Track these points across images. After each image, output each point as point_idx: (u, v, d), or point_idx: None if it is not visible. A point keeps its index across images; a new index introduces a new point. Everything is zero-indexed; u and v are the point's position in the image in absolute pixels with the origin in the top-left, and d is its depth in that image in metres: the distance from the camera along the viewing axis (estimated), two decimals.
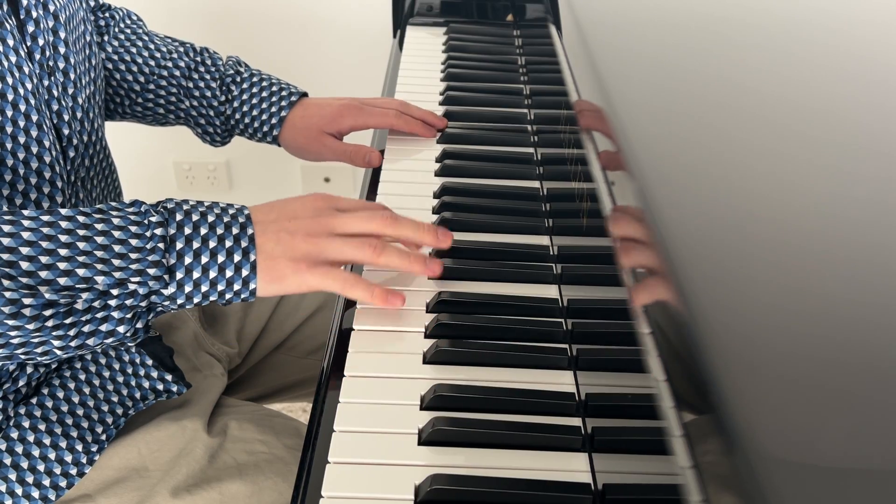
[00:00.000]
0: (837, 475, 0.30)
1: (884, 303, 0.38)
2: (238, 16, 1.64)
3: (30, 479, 0.67)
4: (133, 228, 0.56)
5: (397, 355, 0.61)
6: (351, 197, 0.67)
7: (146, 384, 0.72)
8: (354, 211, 0.65)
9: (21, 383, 0.67)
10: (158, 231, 0.57)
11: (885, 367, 0.34)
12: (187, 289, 0.58)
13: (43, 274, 0.53)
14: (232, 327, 0.92)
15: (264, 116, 0.90)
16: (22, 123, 0.62)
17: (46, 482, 0.67)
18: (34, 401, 0.68)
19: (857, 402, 0.33)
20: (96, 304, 0.55)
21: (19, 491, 0.67)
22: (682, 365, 0.37)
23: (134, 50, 0.89)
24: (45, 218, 0.55)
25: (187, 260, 0.57)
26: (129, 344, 0.59)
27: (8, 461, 0.66)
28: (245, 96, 0.90)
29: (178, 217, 0.58)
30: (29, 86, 0.63)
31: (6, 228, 0.54)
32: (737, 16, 0.69)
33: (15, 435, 0.67)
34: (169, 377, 0.72)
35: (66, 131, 0.68)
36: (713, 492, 0.32)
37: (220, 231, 0.59)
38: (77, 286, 0.54)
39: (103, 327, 0.56)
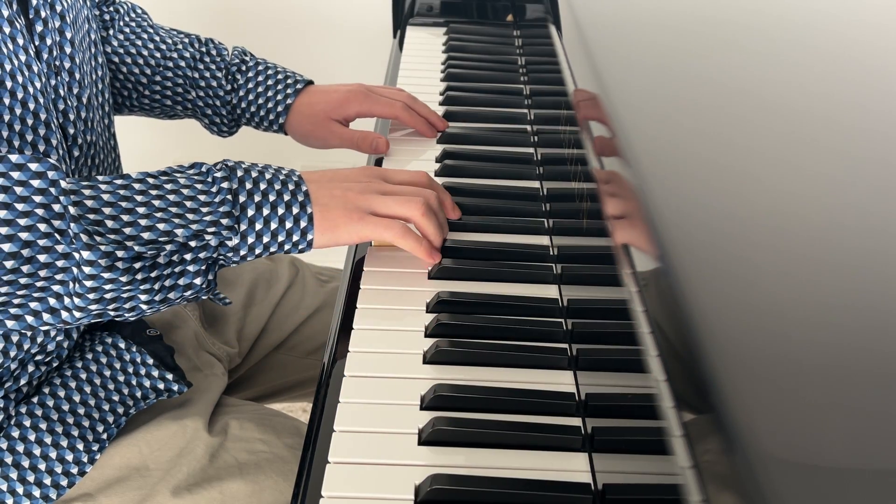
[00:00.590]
0: (837, 475, 0.30)
1: (883, 303, 0.38)
2: (238, 16, 1.64)
3: (31, 478, 0.67)
4: (199, 185, 0.60)
5: (397, 355, 0.61)
6: (395, 169, 0.73)
7: (147, 383, 0.72)
8: (402, 183, 0.70)
9: (22, 382, 0.67)
10: (224, 185, 0.60)
11: (884, 368, 0.34)
12: (250, 240, 0.61)
13: (127, 230, 0.56)
14: (232, 327, 0.92)
15: (270, 104, 0.90)
16: (30, 122, 0.62)
17: (47, 481, 0.67)
18: (35, 400, 0.68)
19: (856, 402, 0.33)
20: (175, 258, 0.58)
21: (20, 490, 0.67)
22: (682, 365, 0.37)
23: (139, 43, 0.90)
24: (119, 181, 0.58)
25: (250, 212, 0.60)
26: (203, 297, 0.62)
27: (9, 460, 0.66)
28: (251, 85, 0.91)
29: (239, 173, 0.62)
30: (38, 84, 0.63)
31: (87, 192, 0.57)
32: (737, 17, 0.69)
33: (16, 434, 0.67)
34: (170, 376, 0.73)
35: (71, 130, 0.68)
36: (713, 492, 0.32)
37: (277, 186, 0.62)
38: (160, 239, 0.57)
39: (181, 281, 0.59)
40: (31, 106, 0.62)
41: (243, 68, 0.91)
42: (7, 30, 0.61)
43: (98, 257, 0.55)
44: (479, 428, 0.55)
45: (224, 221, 0.59)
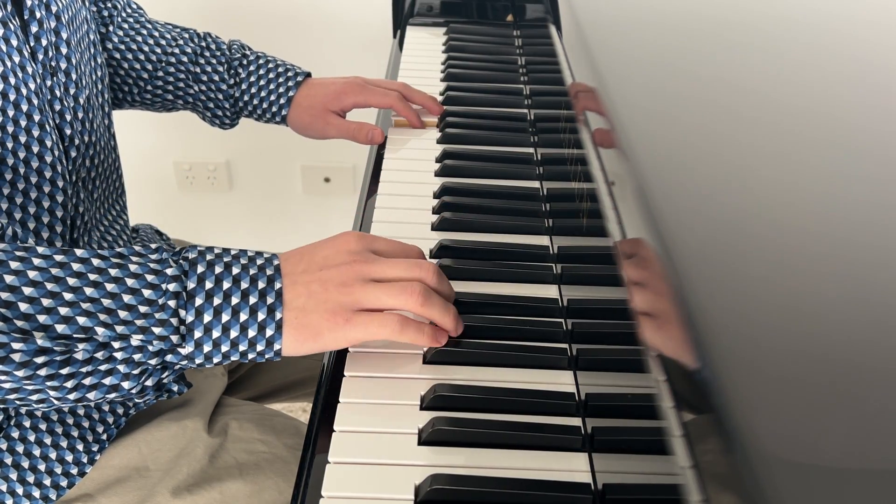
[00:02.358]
0: (838, 475, 0.30)
1: (883, 302, 0.38)
2: (237, 15, 1.64)
3: (31, 479, 0.67)
4: (149, 278, 0.53)
5: (397, 355, 0.61)
6: (382, 237, 0.62)
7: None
8: (391, 255, 0.60)
9: None
10: (172, 286, 0.52)
11: (885, 367, 0.34)
12: (206, 348, 0.53)
13: (41, 318, 0.50)
14: None
15: (272, 97, 0.92)
16: (24, 123, 0.62)
17: (47, 482, 0.67)
18: None
19: (857, 401, 0.33)
20: (99, 355, 0.51)
21: (20, 490, 0.67)
22: (682, 365, 0.37)
23: (139, 38, 0.91)
24: (58, 258, 0.52)
25: (206, 318, 0.53)
26: (137, 401, 0.54)
27: (9, 461, 0.66)
28: (253, 78, 0.92)
29: (200, 269, 0.54)
30: (32, 86, 0.63)
31: (13, 265, 0.51)
32: (738, 16, 0.69)
33: (16, 434, 0.67)
34: None
35: (68, 131, 0.68)
36: (713, 492, 0.32)
37: (244, 285, 0.54)
38: (74, 335, 0.50)
39: (107, 381, 0.52)
40: (25, 108, 0.62)
41: (244, 62, 0.93)
42: (1, 31, 0.60)
43: None
44: (479, 428, 0.55)
45: (157, 330, 0.52)
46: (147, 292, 0.52)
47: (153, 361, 0.53)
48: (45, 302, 0.50)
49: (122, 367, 0.52)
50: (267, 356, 0.55)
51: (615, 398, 0.53)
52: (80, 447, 0.68)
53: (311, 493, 0.51)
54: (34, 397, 0.52)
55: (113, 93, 0.92)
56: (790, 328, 0.36)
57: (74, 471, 0.68)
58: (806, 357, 0.35)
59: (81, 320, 0.50)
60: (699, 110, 0.55)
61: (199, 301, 0.53)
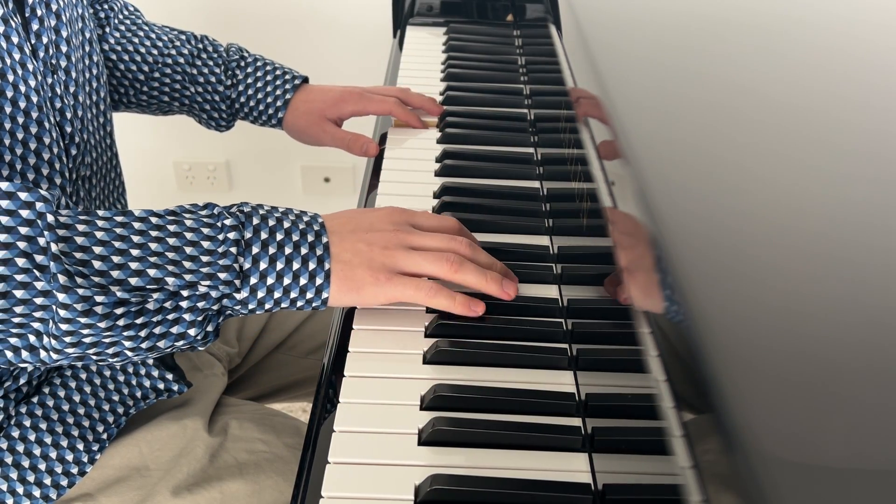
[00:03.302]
0: (837, 475, 0.30)
1: (883, 303, 0.38)
2: (237, 15, 1.64)
3: (31, 478, 0.67)
4: (206, 231, 0.56)
5: (397, 355, 0.61)
6: (422, 211, 0.66)
7: (147, 383, 0.72)
8: (430, 230, 0.64)
9: (22, 381, 0.67)
10: (232, 235, 0.56)
11: (885, 367, 0.34)
12: (260, 294, 0.57)
13: (115, 273, 0.53)
14: (232, 327, 0.92)
15: (269, 99, 0.92)
16: (21, 120, 0.62)
17: (47, 481, 0.67)
18: (35, 399, 0.68)
19: (857, 401, 0.33)
20: (168, 304, 0.54)
21: (20, 490, 0.67)
22: (682, 365, 0.37)
23: (136, 40, 0.91)
24: (119, 218, 0.55)
25: (262, 265, 0.56)
26: (200, 348, 0.58)
27: (9, 460, 0.66)
28: (250, 80, 0.92)
29: (255, 221, 0.57)
30: (32, 83, 0.63)
31: (80, 228, 0.54)
32: (738, 16, 0.69)
33: (16, 434, 0.67)
34: (169, 376, 0.73)
35: (68, 129, 0.68)
36: (713, 492, 0.32)
37: (295, 237, 0.58)
38: (148, 286, 0.54)
39: (174, 329, 0.56)
40: (22, 105, 0.62)
41: (242, 64, 0.93)
42: (1, 28, 0.61)
43: (74, 301, 0.52)
44: (479, 428, 0.55)
45: (222, 275, 0.55)
46: (206, 244, 0.56)
47: (215, 307, 0.56)
48: (116, 259, 0.53)
49: (187, 316, 0.56)
50: (314, 304, 0.59)
51: (615, 398, 0.53)
52: (80, 446, 0.68)
53: (311, 493, 0.51)
54: (111, 350, 0.55)
55: (109, 94, 0.92)
56: (790, 328, 0.36)
57: (75, 470, 0.68)
58: (806, 357, 0.35)
59: (152, 272, 0.54)
60: (699, 110, 0.55)
61: (255, 250, 0.57)
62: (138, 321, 0.54)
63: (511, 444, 0.54)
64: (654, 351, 0.41)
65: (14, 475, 0.66)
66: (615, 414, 0.53)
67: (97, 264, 0.53)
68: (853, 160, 0.49)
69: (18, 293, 0.51)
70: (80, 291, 0.52)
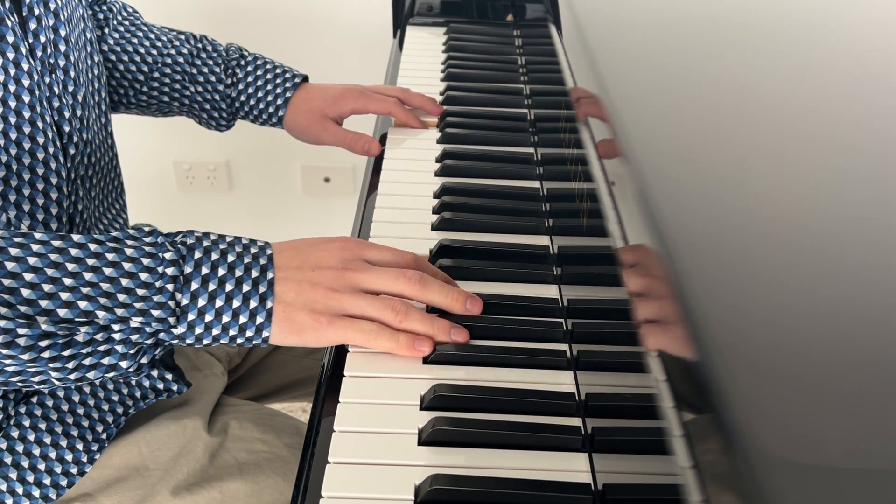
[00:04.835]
0: (838, 475, 0.30)
1: (884, 301, 0.38)
2: (236, 15, 1.64)
3: (30, 478, 0.67)
4: (146, 261, 0.54)
5: (397, 356, 0.61)
6: (376, 244, 0.63)
7: (146, 383, 0.72)
8: (382, 264, 0.62)
9: None
10: (170, 270, 0.54)
11: (885, 367, 0.34)
12: (198, 330, 0.55)
13: (43, 303, 0.51)
14: None
15: (269, 98, 0.92)
16: (13, 120, 0.62)
17: (47, 481, 0.67)
18: (34, 400, 0.68)
19: (857, 401, 0.33)
20: (98, 336, 0.53)
21: (20, 490, 0.67)
22: (682, 365, 0.37)
23: (135, 41, 0.91)
24: (56, 243, 0.53)
25: (201, 302, 0.55)
26: (133, 378, 0.57)
27: (8, 460, 0.66)
28: (250, 79, 0.92)
29: (197, 255, 0.55)
30: (27, 82, 0.63)
31: (13, 252, 0.52)
32: (738, 15, 0.69)
33: (15, 434, 0.67)
34: (169, 376, 0.73)
35: (66, 128, 0.68)
36: (713, 492, 0.32)
37: (238, 273, 0.56)
38: (77, 319, 0.52)
39: (105, 360, 0.54)
40: (13, 104, 0.62)
41: (242, 63, 0.93)
42: None
43: None
44: (479, 428, 0.55)
45: (155, 312, 0.53)
46: (144, 276, 0.54)
47: (149, 341, 0.54)
48: (47, 287, 0.51)
49: (120, 348, 0.54)
50: (254, 342, 0.57)
51: (615, 398, 0.53)
52: (79, 446, 0.68)
53: (311, 493, 0.51)
54: (36, 379, 0.53)
55: (109, 96, 0.92)
56: (790, 328, 0.36)
57: (74, 470, 0.68)
58: (806, 357, 0.35)
59: (83, 304, 0.52)
60: (699, 109, 0.55)
61: (194, 286, 0.55)
62: (65, 353, 0.52)
63: (511, 444, 0.54)
64: (654, 351, 0.41)
65: (13, 475, 0.66)
66: (615, 414, 0.53)
67: (26, 292, 0.51)
68: (854, 158, 0.49)
69: None
70: (2, 323, 0.50)
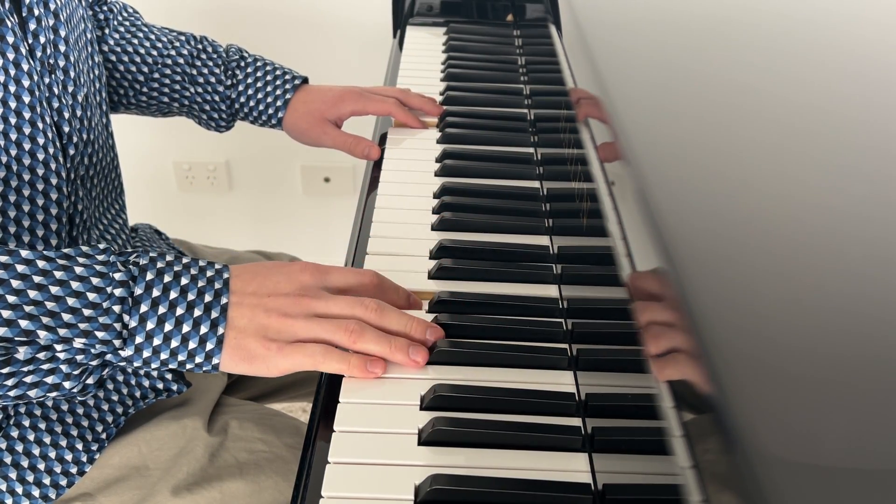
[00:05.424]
0: (838, 474, 0.30)
1: (884, 301, 0.38)
2: (236, 15, 1.64)
3: (30, 478, 0.67)
4: (95, 280, 0.53)
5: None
6: (337, 267, 0.61)
7: (146, 383, 0.72)
8: (343, 288, 0.60)
9: None
10: (118, 291, 0.53)
11: (885, 366, 0.34)
12: (145, 354, 0.54)
13: None
14: None
15: (269, 99, 0.92)
16: (13, 120, 0.62)
17: (47, 481, 0.67)
18: None
19: (857, 401, 0.33)
20: (41, 355, 0.52)
21: (20, 490, 0.67)
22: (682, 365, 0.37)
23: (135, 41, 0.91)
24: (2, 259, 0.52)
25: (149, 325, 0.53)
26: (78, 398, 0.55)
27: (8, 460, 0.66)
28: (250, 80, 0.92)
29: (149, 276, 0.54)
30: (27, 83, 0.63)
31: None
32: (738, 15, 0.69)
33: (15, 434, 0.67)
34: (169, 376, 0.73)
35: (66, 129, 0.68)
36: (713, 492, 0.32)
37: (190, 297, 0.55)
38: (16, 338, 0.51)
39: (49, 379, 0.53)
40: (13, 105, 0.62)
41: (242, 64, 0.93)
42: None
43: None
44: (479, 428, 0.55)
45: (100, 334, 0.52)
46: (92, 296, 0.52)
47: (94, 362, 0.53)
48: None
49: (64, 367, 0.53)
50: (204, 369, 0.56)
51: (615, 398, 0.53)
52: (79, 446, 0.68)
53: (311, 492, 0.51)
54: None
55: (109, 96, 0.92)
56: (790, 327, 0.36)
57: (74, 470, 0.68)
58: (806, 356, 0.35)
59: (24, 323, 0.51)
60: (699, 109, 0.55)
61: (143, 308, 0.53)
62: (4, 370, 0.51)
63: (511, 444, 0.54)
64: (656, 354, 0.41)
65: (13, 475, 0.66)
66: (615, 414, 0.53)
67: None
68: (854, 158, 0.49)
69: None
70: None
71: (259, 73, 0.92)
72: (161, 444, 0.72)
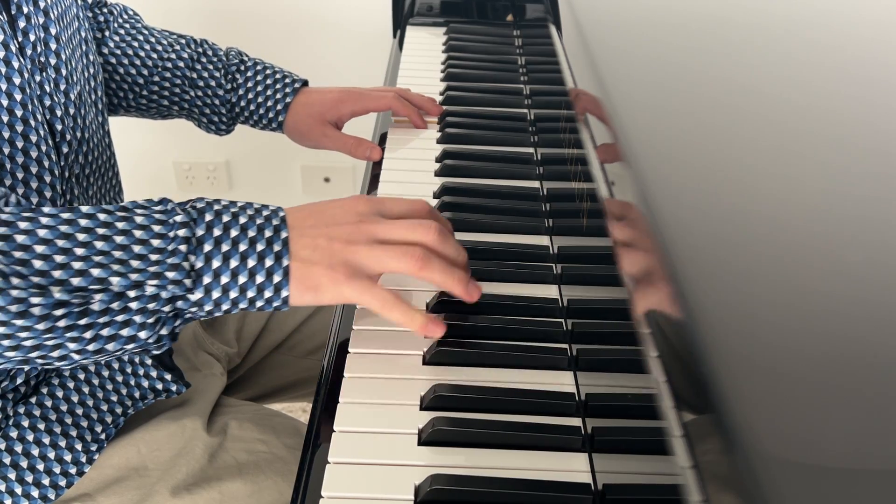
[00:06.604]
0: (838, 475, 0.30)
1: (884, 301, 0.38)
2: (236, 16, 1.64)
3: (29, 479, 0.67)
4: (156, 228, 0.54)
5: (397, 355, 0.61)
6: (390, 198, 0.63)
7: (145, 383, 0.72)
8: (398, 216, 0.61)
9: (19, 381, 0.67)
10: (182, 232, 0.54)
11: (885, 367, 0.34)
12: (215, 294, 0.54)
13: (56, 274, 0.51)
14: (231, 327, 0.92)
15: (269, 103, 0.92)
16: (4, 118, 0.62)
17: (46, 481, 0.67)
18: (33, 400, 0.68)
19: (857, 401, 0.33)
20: (114, 305, 0.52)
21: (19, 490, 0.67)
22: (682, 365, 0.37)
23: (136, 44, 0.91)
24: (65, 216, 0.53)
25: (215, 264, 0.54)
26: (154, 352, 0.56)
27: (7, 460, 0.66)
28: (250, 84, 0.92)
29: (208, 217, 0.55)
30: (17, 81, 0.63)
31: (22, 225, 0.51)
32: (738, 16, 0.69)
33: (14, 434, 0.67)
34: (168, 376, 0.72)
35: (59, 127, 0.68)
36: (713, 492, 0.32)
37: (251, 233, 0.55)
38: (90, 287, 0.51)
39: (124, 332, 0.53)
40: (5, 102, 0.62)
41: (242, 68, 0.92)
42: None
43: (8, 303, 0.49)
44: (479, 428, 0.55)
45: (170, 274, 0.53)
46: (156, 241, 0.53)
47: (167, 308, 0.54)
48: (58, 258, 0.51)
49: (137, 318, 0.53)
50: (275, 304, 0.56)
51: (615, 398, 0.53)
52: (78, 447, 0.68)
53: (311, 493, 0.51)
54: (55, 353, 0.53)
55: (108, 98, 0.92)
56: (790, 328, 0.36)
57: (73, 470, 0.68)
58: (806, 356, 0.35)
59: (95, 272, 0.52)
60: (699, 110, 0.55)
61: (207, 247, 0.54)
62: (81, 322, 0.52)
63: (511, 444, 0.54)
64: (654, 351, 0.41)
65: (12, 475, 0.66)
66: (615, 414, 0.53)
67: (38, 264, 0.51)
68: (853, 158, 0.49)
69: None
70: (14, 293, 0.49)
71: (259, 77, 0.92)
72: (160, 444, 0.72)
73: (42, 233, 0.52)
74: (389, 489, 0.51)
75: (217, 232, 0.55)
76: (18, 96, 0.63)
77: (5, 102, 0.62)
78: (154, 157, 1.79)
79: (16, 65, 0.63)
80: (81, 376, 0.70)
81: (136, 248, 0.53)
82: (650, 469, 0.43)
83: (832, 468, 0.30)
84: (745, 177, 0.47)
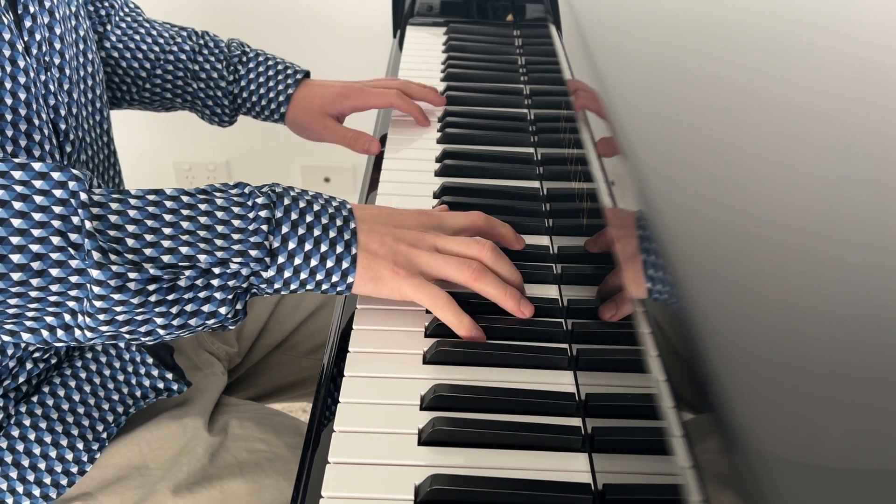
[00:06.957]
0: (838, 475, 0.30)
1: (884, 302, 0.38)
2: (236, 15, 1.64)
3: (31, 478, 0.67)
4: (236, 209, 0.57)
5: (397, 355, 0.61)
6: (449, 213, 0.67)
7: (146, 382, 0.72)
8: (458, 231, 0.66)
9: (21, 380, 0.67)
10: (263, 213, 0.57)
11: (885, 367, 0.34)
12: (286, 274, 0.58)
13: (147, 251, 0.54)
14: None
15: (272, 94, 0.92)
16: (9, 117, 0.62)
17: (47, 480, 0.67)
18: (35, 399, 0.68)
19: (857, 401, 0.33)
20: (199, 282, 0.55)
21: (20, 489, 0.67)
22: (682, 365, 0.37)
23: (137, 37, 0.91)
24: (151, 197, 0.56)
25: (291, 245, 0.57)
26: (230, 327, 0.59)
27: (9, 459, 0.66)
28: (252, 75, 0.93)
29: (286, 201, 0.58)
30: (23, 80, 0.63)
31: (114, 206, 0.54)
32: (738, 17, 0.69)
33: (16, 433, 0.67)
34: (169, 375, 0.73)
35: (62, 126, 0.68)
36: (713, 492, 0.32)
37: (324, 220, 0.59)
38: (180, 264, 0.54)
39: (206, 307, 0.56)
40: (9, 101, 0.62)
41: (244, 59, 0.93)
42: None
43: (108, 277, 0.52)
44: (479, 428, 0.55)
45: (253, 252, 0.56)
46: (237, 222, 0.56)
47: (245, 285, 0.57)
48: (148, 237, 0.54)
49: (217, 294, 0.56)
50: (339, 289, 0.60)
51: (615, 398, 0.53)
52: (80, 446, 0.68)
53: (311, 492, 0.51)
54: (143, 329, 0.56)
55: (111, 92, 0.92)
56: (790, 328, 0.36)
57: (74, 469, 0.68)
58: (806, 357, 0.35)
59: (184, 250, 0.55)
60: (699, 109, 0.55)
61: (285, 229, 0.57)
62: (170, 298, 0.55)
63: (511, 444, 0.54)
64: (654, 351, 0.41)
65: (14, 474, 0.66)
66: (615, 414, 0.53)
67: (130, 242, 0.53)
68: (852, 159, 0.49)
69: (54, 271, 0.52)
70: (114, 268, 0.52)
71: (261, 69, 0.93)
72: (161, 443, 0.72)
73: (132, 213, 0.55)
74: (389, 489, 0.51)
75: (294, 216, 0.58)
76: (23, 95, 0.63)
77: (10, 101, 0.62)
78: (154, 156, 1.79)
79: (22, 64, 0.63)
80: (83, 375, 0.70)
81: (220, 228, 0.56)
82: (650, 469, 0.43)
83: (832, 468, 0.30)
84: (745, 177, 0.47)
